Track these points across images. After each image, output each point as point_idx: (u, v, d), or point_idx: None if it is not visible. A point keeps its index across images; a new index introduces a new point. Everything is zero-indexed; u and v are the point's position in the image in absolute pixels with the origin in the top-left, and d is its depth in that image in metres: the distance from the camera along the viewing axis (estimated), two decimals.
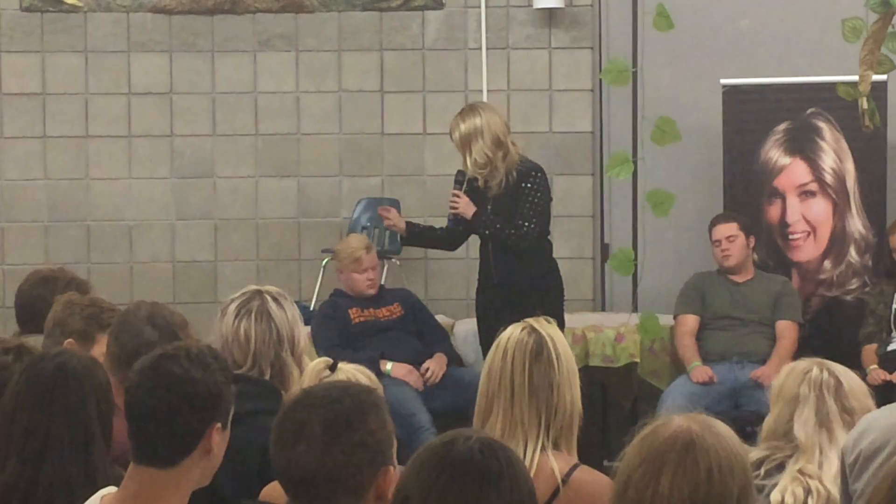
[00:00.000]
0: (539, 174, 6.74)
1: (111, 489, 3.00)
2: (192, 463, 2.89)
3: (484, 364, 3.44)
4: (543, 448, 3.29)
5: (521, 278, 6.71)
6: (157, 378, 2.89)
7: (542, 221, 6.73)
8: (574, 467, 3.27)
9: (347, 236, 7.83)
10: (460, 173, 6.86)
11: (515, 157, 6.71)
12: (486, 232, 6.76)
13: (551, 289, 6.77)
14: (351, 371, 3.58)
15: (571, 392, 3.35)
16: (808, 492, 3.49)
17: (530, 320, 3.42)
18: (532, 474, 3.12)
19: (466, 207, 6.78)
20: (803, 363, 3.73)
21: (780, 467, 3.52)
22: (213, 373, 2.92)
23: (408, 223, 6.95)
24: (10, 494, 3.21)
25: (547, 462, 3.26)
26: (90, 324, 4.30)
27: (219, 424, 2.92)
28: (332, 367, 3.55)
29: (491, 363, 3.37)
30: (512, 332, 3.40)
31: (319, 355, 6.87)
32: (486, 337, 6.79)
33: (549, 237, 6.87)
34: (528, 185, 6.69)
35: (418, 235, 7.04)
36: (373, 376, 3.58)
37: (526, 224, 6.67)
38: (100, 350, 4.12)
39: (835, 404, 3.59)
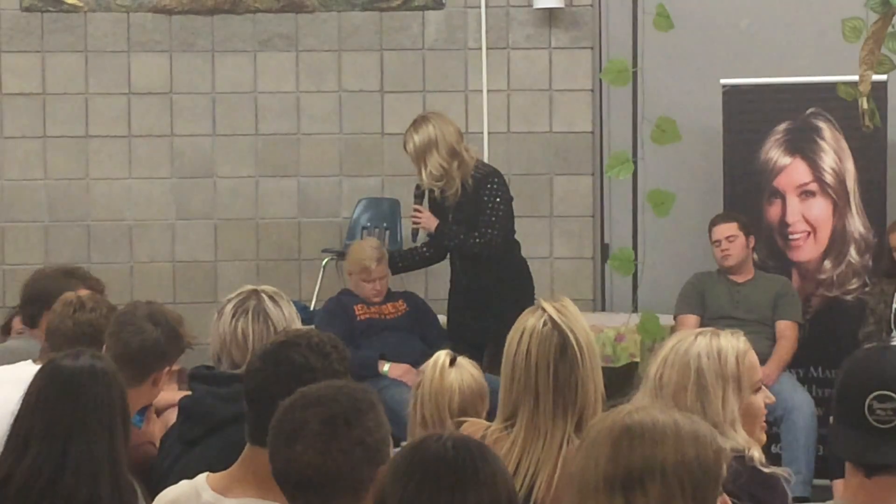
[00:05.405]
0: (496, 179, 6.78)
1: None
2: None
3: (504, 356, 3.28)
4: (570, 440, 3.20)
5: (488, 281, 6.79)
6: (277, 364, 3.07)
7: (504, 226, 6.77)
8: None
9: (362, 240, 7.75)
10: (418, 188, 6.90)
11: (470, 163, 6.74)
12: (451, 244, 6.81)
13: (520, 288, 6.80)
14: (468, 366, 3.82)
15: (595, 380, 3.29)
16: None
17: (547, 307, 3.26)
18: (562, 467, 3.13)
19: (428, 221, 6.84)
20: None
21: None
22: (332, 362, 3.11)
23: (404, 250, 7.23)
24: (35, 476, 3.30)
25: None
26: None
27: None
28: (453, 361, 3.81)
29: (513, 361, 3.24)
30: (533, 326, 3.23)
31: None
32: (455, 333, 6.94)
33: (514, 237, 6.91)
34: (487, 192, 6.73)
35: (406, 259, 7.22)
36: (479, 370, 3.84)
37: (489, 231, 6.72)
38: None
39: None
